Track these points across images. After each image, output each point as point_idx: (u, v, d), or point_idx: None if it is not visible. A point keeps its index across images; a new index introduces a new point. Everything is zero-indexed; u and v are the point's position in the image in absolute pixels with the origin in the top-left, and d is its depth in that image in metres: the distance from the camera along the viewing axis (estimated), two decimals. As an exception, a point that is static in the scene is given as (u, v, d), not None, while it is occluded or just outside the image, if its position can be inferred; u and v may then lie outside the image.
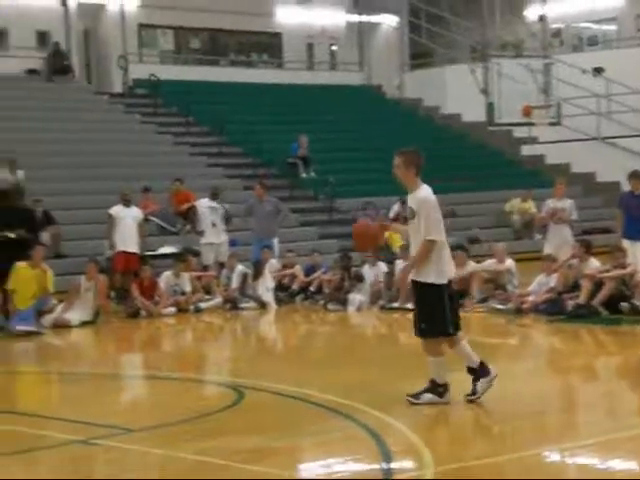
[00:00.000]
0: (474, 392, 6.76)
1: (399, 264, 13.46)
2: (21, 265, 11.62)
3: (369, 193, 18.60)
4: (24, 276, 11.65)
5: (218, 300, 13.72)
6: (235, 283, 13.77)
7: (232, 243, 15.02)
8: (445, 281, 6.65)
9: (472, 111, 22.78)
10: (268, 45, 26.41)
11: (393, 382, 7.60)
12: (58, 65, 21.79)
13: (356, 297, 12.96)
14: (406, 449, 5.79)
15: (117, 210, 13.78)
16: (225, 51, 25.86)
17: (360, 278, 13.25)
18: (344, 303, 13.02)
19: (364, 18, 27.11)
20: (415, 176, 6.74)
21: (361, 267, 13.50)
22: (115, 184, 15.97)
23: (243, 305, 13.57)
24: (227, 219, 14.77)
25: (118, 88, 22.85)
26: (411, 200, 6.71)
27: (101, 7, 23.54)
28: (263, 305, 13.62)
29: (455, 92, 23.87)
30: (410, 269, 6.72)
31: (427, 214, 6.59)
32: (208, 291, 13.90)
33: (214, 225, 14.69)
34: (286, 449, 5.89)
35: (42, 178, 16.43)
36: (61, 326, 11.93)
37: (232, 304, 13.60)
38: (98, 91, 22.52)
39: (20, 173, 15.84)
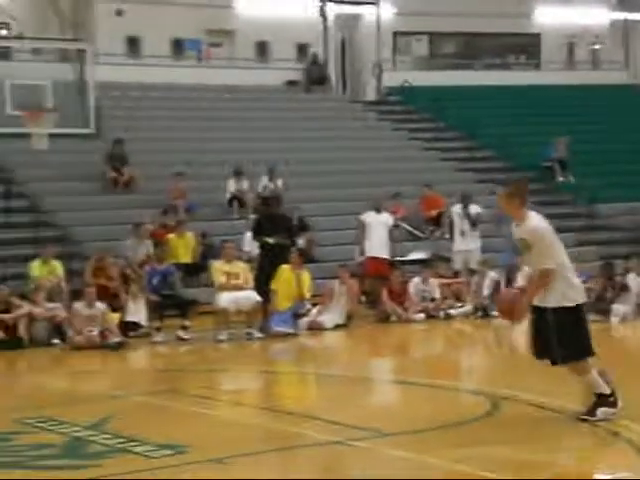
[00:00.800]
0: (591, 414, 6.45)
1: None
2: (284, 268, 12.06)
3: (632, 198, 17.46)
4: (285, 279, 12.07)
5: (468, 307, 13.45)
6: (486, 290, 13.42)
7: (484, 250, 14.65)
8: (572, 304, 6.44)
9: None
10: (525, 46, 25.72)
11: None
12: (316, 76, 22.59)
13: (620, 308, 12.28)
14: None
15: (368, 216, 13.91)
16: (479, 54, 25.48)
17: (625, 288, 12.53)
18: (606, 313, 12.30)
19: (629, 16, 25.76)
20: (520, 207, 6.59)
21: (625, 276, 12.79)
22: (366, 190, 16.21)
23: (494, 313, 13.16)
24: (474, 223, 14.43)
25: (372, 96, 23.24)
26: (522, 232, 6.54)
27: (358, 17, 24.09)
28: (516, 314, 13.13)
29: None
30: (531, 299, 6.50)
31: (540, 242, 6.45)
32: (458, 298, 13.67)
33: (463, 232, 14.41)
34: (547, 463, 5.61)
35: (298, 185, 17.00)
36: (315, 329, 12.23)
37: (483, 312, 13.27)
38: (353, 100, 23.03)
39: (279, 181, 16.56)
